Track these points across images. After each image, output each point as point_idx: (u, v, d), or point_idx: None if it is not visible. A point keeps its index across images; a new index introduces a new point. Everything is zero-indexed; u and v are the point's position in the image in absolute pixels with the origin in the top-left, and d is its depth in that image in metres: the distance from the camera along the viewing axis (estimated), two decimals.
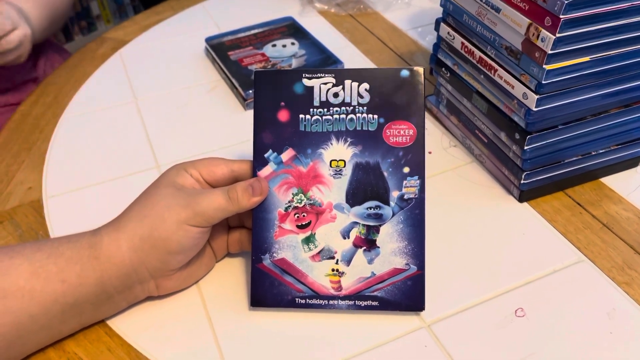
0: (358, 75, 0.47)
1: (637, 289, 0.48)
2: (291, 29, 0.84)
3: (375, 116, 0.46)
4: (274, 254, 0.46)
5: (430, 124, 0.67)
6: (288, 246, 0.46)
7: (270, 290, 0.46)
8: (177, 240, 0.43)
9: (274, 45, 0.80)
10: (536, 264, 0.50)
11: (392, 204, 0.46)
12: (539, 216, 0.55)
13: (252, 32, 0.83)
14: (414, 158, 0.46)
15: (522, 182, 0.55)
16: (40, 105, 0.75)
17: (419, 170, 0.45)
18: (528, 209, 0.56)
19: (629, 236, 0.52)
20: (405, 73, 0.46)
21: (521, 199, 0.56)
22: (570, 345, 0.44)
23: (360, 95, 0.46)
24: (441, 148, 0.63)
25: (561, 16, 0.45)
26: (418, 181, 0.45)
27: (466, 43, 0.57)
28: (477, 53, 0.56)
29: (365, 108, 0.46)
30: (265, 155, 0.47)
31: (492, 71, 0.54)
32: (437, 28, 0.61)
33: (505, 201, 0.57)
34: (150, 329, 0.47)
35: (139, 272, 0.44)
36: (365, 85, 0.46)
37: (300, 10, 0.92)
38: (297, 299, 0.46)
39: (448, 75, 0.62)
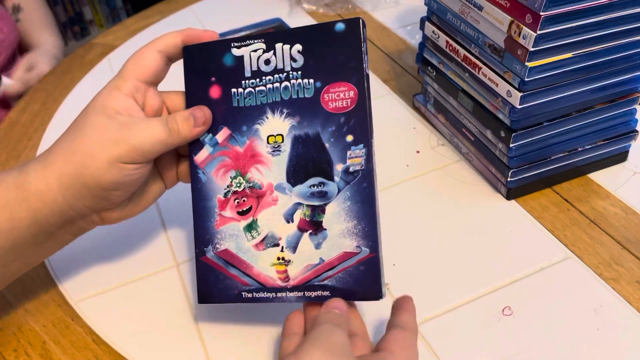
0: (289, 36, 0.42)
1: (624, 284, 0.48)
2: (279, 30, 0.83)
3: (311, 80, 0.41)
4: (217, 245, 0.43)
5: (418, 122, 0.67)
6: (230, 235, 0.43)
7: (216, 285, 0.43)
8: (110, 179, 0.40)
9: None
10: (524, 262, 0.50)
11: (336, 179, 0.41)
12: (526, 213, 0.55)
13: (240, 34, 0.83)
14: (357, 124, 0.41)
15: (509, 179, 0.55)
16: (28, 113, 0.75)
17: (363, 138, 0.40)
18: (515, 206, 0.55)
19: (616, 232, 0.52)
20: (340, 27, 0.41)
21: (509, 196, 0.56)
22: (558, 343, 0.44)
23: (293, 59, 0.42)
24: (429, 147, 0.63)
25: (541, 13, 0.45)
26: (363, 150, 0.40)
27: (451, 41, 0.57)
28: (462, 51, 0.56)
29: (299, 73, 0.42)
30: (200, 137, 0.43)
31: (477, 69, 0.54)
32: (422, 27, 0.61)
33: (492, 199, 0.56)
34: (138, 335, 0.47)
35: (77, 208, 0.41)
36: (298, 47, 0.42)
37: (289, 11, 0.92)
38: (243, 293, 0.42)
39: (434, 73, 0.62)
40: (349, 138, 0.41)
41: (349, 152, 0.41)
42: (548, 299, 0.47)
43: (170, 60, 0.44)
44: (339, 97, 0.41)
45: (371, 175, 0.40)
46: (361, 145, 0.41)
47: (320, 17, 0.91)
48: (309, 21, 0.90)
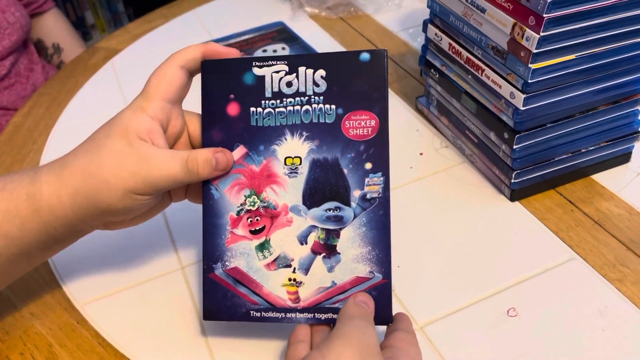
0: (313, 61, 0.42)
1: (629, 285, 0.48)
2: (282, 33, 0.84)
3: (333, 106, 0.42)
4: (226, 263, 0.43)
5: (421, 125, 0.67)
6: (241, 254, 0.43)
7: (224, 302, 0.43)
8: (122, 207, 0.40)
9: (265, 51, 0.80)
10: (528, 263, 0.50)
11: (353, 204, 0.41)
12: (530, 215, 0.55)
13: (243, 37, 0.83)
14: (376, 152, 0.41)
15: (512, 181, 0.55)
16: (32, 117, 0.75)
17: (382, 167, 0.41)
18: (519, 207, 0.56)
19: (621, 233, 0.52)
20: (365, 57, 0.41)
21: (512, 198, 0.56)
22: (563, 344, 0.44)
23: (315, 84, 0.42)
24: (432, 149, 0.64)
25: (544, 15, 0.45)
26: (382, 178, 0.41)
27: (453, 44, 0.57)
28: (465, 53, 0.56)
29: (321, 98, 0.42)
30: None
31: (480, 71, 0.54)
32: (424, 29, 0.62)
33: (496, 201, 0.57)
34: (144, 338, 0.47)
35: (86, 221, 0.42)
36: (322, 72, 0.42)
37: (291, 15, 0.92)
38: (251, 312, 0.42)
39: (437, 76, 0.62)
40: (368, 166, 0.41)
41: (367, 180, 0.41)
42: (553, 300, 0.47)
43: (191, 74, 0.44)
44: (360, 125, 0.41)
45: (387, 203, 0.41)
46: (380, 174, 0.41)
47: (323, 20, 0.91)
48: (311, 24, 0.90)
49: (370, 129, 0.41)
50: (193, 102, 0.46)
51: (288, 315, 0.42)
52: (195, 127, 0.45)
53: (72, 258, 0.53)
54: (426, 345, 0.44)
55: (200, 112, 0.45)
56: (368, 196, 0.41)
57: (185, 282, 0.51)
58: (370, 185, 0.41)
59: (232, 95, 0.43)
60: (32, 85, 0.95)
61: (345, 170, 0.42)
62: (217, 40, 0.83)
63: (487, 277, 0.49)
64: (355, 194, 0.41)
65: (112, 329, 0.48)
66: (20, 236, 0.41)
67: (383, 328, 0.41)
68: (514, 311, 0.46)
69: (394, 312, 0.41)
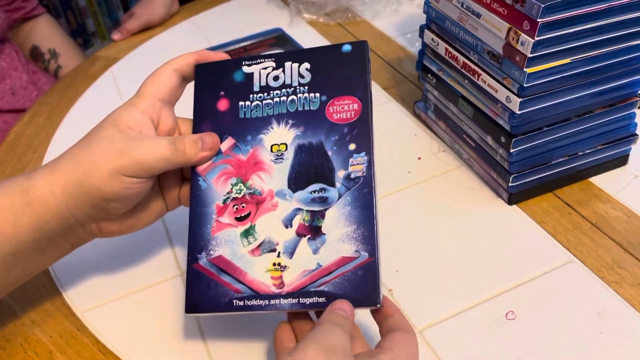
0: (299, 55, 0.45)
1: (627, 287, 0.48)
2: (280, 40, 0.84)
3: (317, 94, 0.44)
4: (211, 252, 0.42)
5: (419, 129, 0.68)
6: (226, 242, 0.42)
7: (207, 293, 0.41)
8: (111, 190, 0.41)
9: None
10: (526, 266, 0.50)
11: (338, 185, 0.42)
12: (528, 218, 0.55)
13: (242, 44, 0.84)
14: (360, 134, 0.42)
15: (510, 184, 0.55)
16: (33, 126, 0.76)
17: (365, 146, 0.42)
18: (517, 211, 0.56)
19: (618, 235, 0.52)
20: (347, 48, 0.44)
21: (510, 201, 0.56)
22: (562, 346, 0.44)
23: (301, 76, 0.44)
24: (430, 153, 0.64)
25: (539, 20, 0.45)
26: (365, 158, 0.42)
27: (450, 49, 0.58)
28: (461, 58, 0.56)
29: (306, 87, 0.44)
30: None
31: (476, 76, 0.54)
32: (421, 35, 0.62)
33: (494, 204, 0.57)
34: (143, 344, 0.47)
35: (77, 216, 0.42)
36: (306, 65, 0.44)
37: (289, 21, 0.93)
38: (235, 301, 0.41)
39: (434, 81, 0.63)
40: (352, 146, 0.42)
41: (351, 160, 0.42)
42: (551, 303, 0.47)
43: (185, 79, 0.46)
44: (343, 109, 0.43)
45: (372, 181, 0.42)
46: (363, 153, 0.42)
47: (321, 26, 0.92)
48: (310, 31, 0.91)
49: (353, 112, 0.43)
50: (188, 112, 0.46)
51: (272, 302, 0.40)
52: (187, 129, 0.47)
53: (72, 265, 0.54)
54: (425, 349, 0.45)
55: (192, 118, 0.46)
56: (352, 175, 0.42)
57: (184, 288, 0.51)
58: (354, 165, 0.42)
59: (222, 93, 0.45)
60: (10, 89, 0.94)
61: (330, 153, 0.43)
62: (216, 48, 0.83)
63: (486, 281, 0.49)
64: (340, 174, 0.42)
65: (112, 336, 0.48)
66: (13, 232, 0.41)
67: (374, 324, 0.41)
68: (512, 314, 0.46)
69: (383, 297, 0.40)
